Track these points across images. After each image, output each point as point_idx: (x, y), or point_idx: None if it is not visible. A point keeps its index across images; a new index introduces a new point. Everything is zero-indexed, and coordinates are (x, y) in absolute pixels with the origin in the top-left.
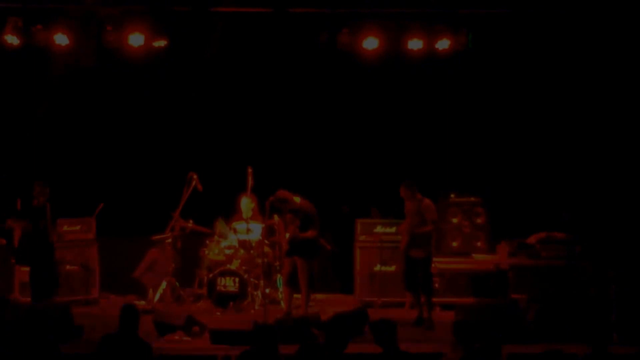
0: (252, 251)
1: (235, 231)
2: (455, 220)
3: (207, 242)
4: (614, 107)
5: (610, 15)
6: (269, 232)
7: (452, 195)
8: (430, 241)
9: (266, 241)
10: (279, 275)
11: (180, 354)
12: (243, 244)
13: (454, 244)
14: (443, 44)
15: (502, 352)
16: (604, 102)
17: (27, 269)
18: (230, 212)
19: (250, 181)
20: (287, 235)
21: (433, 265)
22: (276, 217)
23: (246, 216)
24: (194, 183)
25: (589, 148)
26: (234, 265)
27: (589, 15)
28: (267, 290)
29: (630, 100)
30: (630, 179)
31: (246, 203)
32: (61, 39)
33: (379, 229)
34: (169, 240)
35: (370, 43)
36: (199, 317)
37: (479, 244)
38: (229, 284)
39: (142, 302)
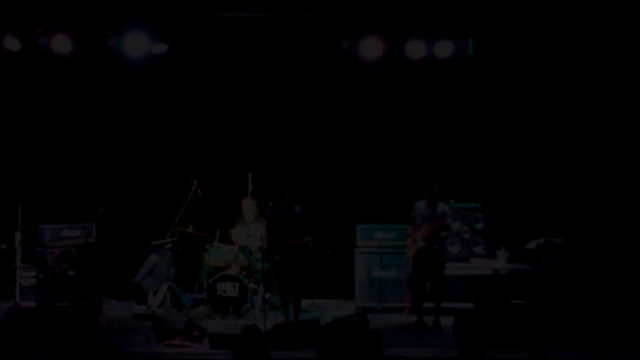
0: (251, 256)
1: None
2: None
3: (207, 247)
4: (613, 114)
5: (610, 24)
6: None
7: (452, 201)
8: (446, 246)
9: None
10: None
11: (180, 358)
12: (243, 249)
13: (454, 249)
14: (444, 50)
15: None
16: (603, 108)
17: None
18: (233, 218)
19: (250, 187)
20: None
21: None
22: None
23: (249, 220)
24: (194, 188)
25: (588, 154)
26: (233, 271)
27: (591, 22)
28: (267, 296)
29: (628, 107)
30: (629, 185)
31: (249, 205)
32: (62, 44)
33: (378, 234)
34: (169, 245)
35: (371, 49)
36: (198, 322)
37: (478, 249)
38: (228, 289)
39: (143, 307)
